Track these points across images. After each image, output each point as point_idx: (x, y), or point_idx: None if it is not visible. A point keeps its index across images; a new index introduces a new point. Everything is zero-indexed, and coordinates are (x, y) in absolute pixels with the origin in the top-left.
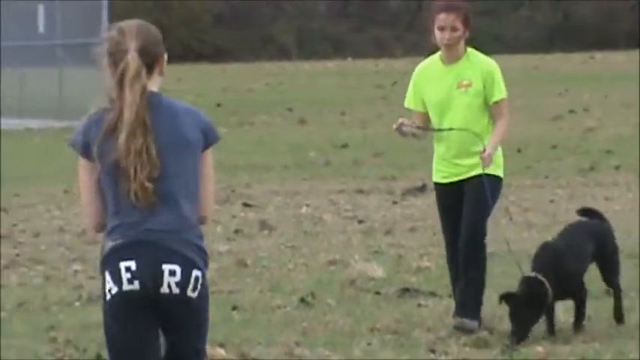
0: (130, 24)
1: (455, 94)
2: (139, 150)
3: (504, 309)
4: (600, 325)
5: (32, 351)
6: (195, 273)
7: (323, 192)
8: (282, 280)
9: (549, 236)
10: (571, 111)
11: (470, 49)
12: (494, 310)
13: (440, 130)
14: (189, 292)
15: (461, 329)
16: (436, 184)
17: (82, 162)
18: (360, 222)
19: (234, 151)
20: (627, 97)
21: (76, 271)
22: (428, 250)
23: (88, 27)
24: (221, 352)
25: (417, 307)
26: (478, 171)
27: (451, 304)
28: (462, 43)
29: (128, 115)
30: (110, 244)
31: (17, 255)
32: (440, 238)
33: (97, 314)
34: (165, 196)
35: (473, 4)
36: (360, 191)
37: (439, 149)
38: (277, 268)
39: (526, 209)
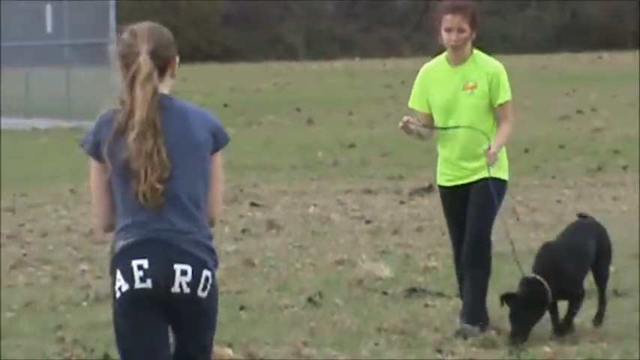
0: (143, 27)
1: (461, 95)
2: (150, 152)
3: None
4: (608, 325)
5: (40, 351)
6: (206, 273)
7: (330, 192)
8: (290, 279)
9: (556, 236)
10: (579, 111)
11: (476, 51)
12: (502, 311)
13: (445, 128)
14: (200, 292)
15: (462, 335)
16: (440, 187)
17: (93, 163)
18: (368, 222)
19: (242, 151)
20: (635, 97)
21: (83, 271)
22: (435, 250)
23: (95, 27)
24: (229, 351)
25: (425, 307)
26: (483, 174)
27: (458, 304)
28: (469, 44)
29: (139, 115)
30: (121, 243)
31: (24, 255)
32: (447, 238)
33: (104, 314)
34: (174, 197)
35: (480, 3)
36: (368, 191)
37: (443, 152)
38: (285, 267)
39: (533, 209)
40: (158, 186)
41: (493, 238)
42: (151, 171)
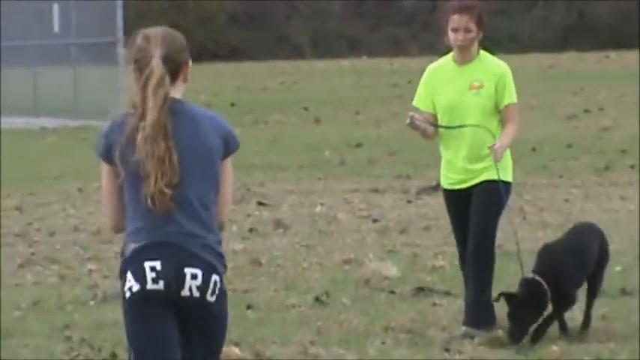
0: (156, 31)
1: (467, 95)
2: (161, 156)
3: None
4: (615, 325)
5: (47, 350)
6: (215, 278)
7: (338, 191)
8: (297, 279)
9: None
10: (586, 110)
11: (482, 52)
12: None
13: (451, 127)
14: (209, 297)
15: (469, 336)
16: (444, 189)
17: (104, 166)
18: (375, 221)
19: (249, 150)
20: None
21: (90, 270)
22: (442, 249)
23: (102, 27)
24: (236, 350)
25: (432, 306)
26: (487, 176)
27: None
28: (476, 44)
29: (150, 119)
30: (132, 245)
31: (32, 254)
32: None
33: (112, 313)
34: (184, 201)
35: (487, 3)
36: (375, 190)
37: (447, 153)
38: (292, 267)
39: (541, 208)
40: (167, 190)
41: (500, 237)
42: (161, 176)
